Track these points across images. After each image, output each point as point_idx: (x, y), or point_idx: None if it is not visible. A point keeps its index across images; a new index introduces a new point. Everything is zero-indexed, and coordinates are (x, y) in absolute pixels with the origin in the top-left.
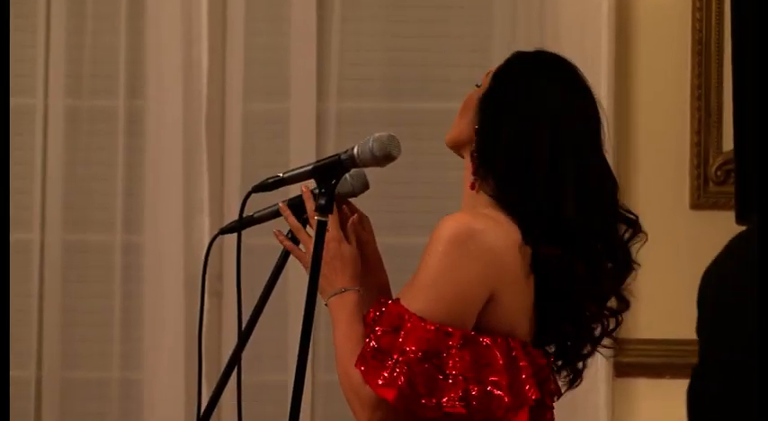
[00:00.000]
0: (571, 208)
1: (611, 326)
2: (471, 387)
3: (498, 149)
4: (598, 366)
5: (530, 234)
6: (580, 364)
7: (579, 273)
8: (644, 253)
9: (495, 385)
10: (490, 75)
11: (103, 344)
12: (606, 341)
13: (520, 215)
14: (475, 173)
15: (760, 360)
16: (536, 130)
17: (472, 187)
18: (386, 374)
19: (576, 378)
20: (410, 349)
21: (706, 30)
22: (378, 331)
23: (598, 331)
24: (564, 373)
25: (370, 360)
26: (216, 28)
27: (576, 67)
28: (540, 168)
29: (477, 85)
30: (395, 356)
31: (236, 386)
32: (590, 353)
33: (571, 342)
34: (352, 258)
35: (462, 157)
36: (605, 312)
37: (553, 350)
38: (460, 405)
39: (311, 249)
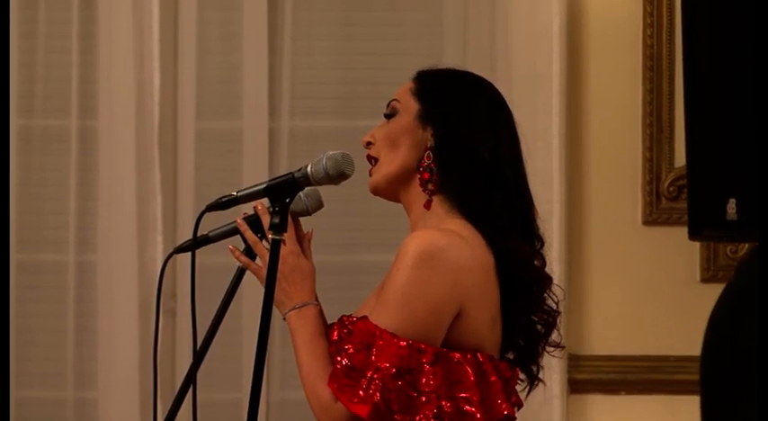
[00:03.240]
0: (530, 203)
1: (550, 326)
2: (444, 403)
3: (468, 161)
4: (552, 382)
5: (497, 232)
6: (534, 368)
7: (538, 264)
8: (597, 268)
9: (467, 401)
10: (406, 101)
11: (57, 364)
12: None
13: (488, 217)
14: (431, 192)
15: (760, 361)
16: (500, 141)
17: (428, 206)
18: (361, 392)
19: (533, 380)
20: (384, 366)
21: (657, 45)
22: (349, 349)
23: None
24: (521, 378)
25: (343, 378)
26: (168, 47)
27: (485, 78)
28: (506, 175)
29: (388, 115)
30: (368, 374)
31: (190, 404)
32: (541, 354)
33: (525, 343)
34: (311, 272)
35: (393, 199)
36: (543, 313)
37: (512, 357)
38: None
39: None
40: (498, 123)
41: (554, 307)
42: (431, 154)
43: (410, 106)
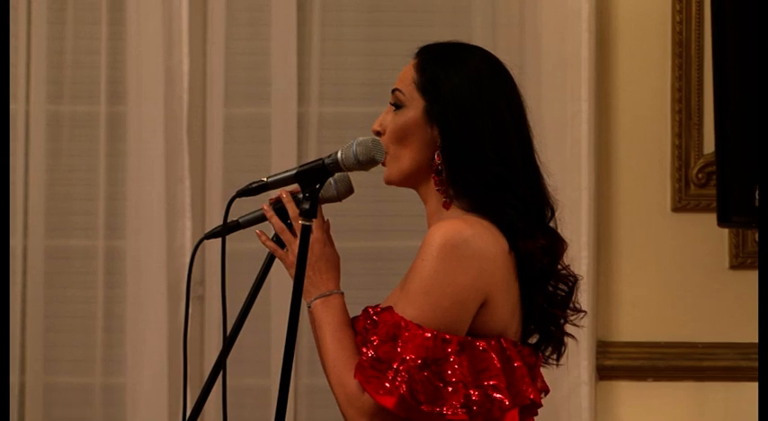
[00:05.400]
0: (545, 191)
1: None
2: (472, 392)
3: (475, 161)
4: (581, 368)
5: (516, 233)
6: (559, 333)
7: (559, 250)
8: (626, 255)
9: (495, 388)
10: (410, 93)
11: (86, 350)
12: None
13: (501, 219)
14: (446, 192)
15: (760, 360)
16: (505, 131)
17: (447, 207)
18: (387, 384)
19: (560, 346)
20: (410, 357)
21: (686, 32)
22: (375, 341)
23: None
24: (549, 350)
25: (369, 369)
26: (197, 33)
27: (485, 50)
28: (516, 168)
29: (395, 105)
30: (395, 365)
31: (218, 390)
32: (564, 322)
33: (547, 321)
34: (336, 261)
35: (410, 188)
36: (560, 283)
37: (536, 339)
38: (462, 411)
39: (295, 250)
40: (500, 109)
41: (573, 273)
42: (440, 154)
43: (415, 100)
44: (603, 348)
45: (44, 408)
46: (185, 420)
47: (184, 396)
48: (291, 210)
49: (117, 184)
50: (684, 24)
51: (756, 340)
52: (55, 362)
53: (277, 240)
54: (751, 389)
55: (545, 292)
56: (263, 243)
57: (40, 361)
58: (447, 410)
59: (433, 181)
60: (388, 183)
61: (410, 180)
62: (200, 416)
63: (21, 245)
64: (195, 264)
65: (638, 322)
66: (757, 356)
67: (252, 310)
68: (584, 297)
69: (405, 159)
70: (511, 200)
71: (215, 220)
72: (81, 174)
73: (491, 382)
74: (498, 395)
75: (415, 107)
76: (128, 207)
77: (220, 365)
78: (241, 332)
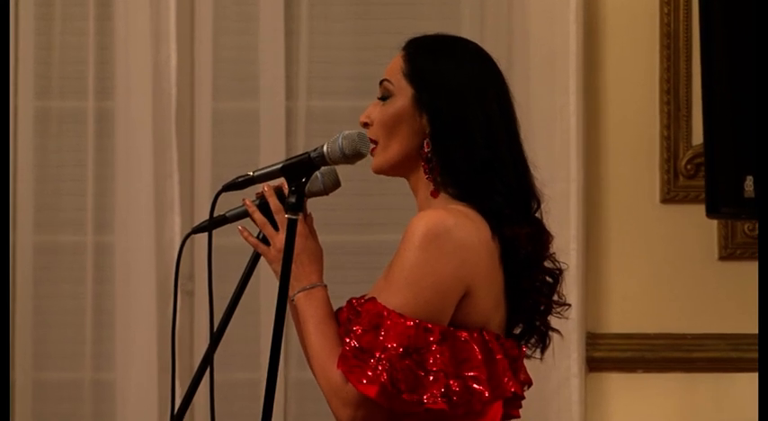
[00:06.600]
0: (531, 183)
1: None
2: (452, 382)
3: (464, 147)
4: (570, 361)
5: (501, 219)
6: (542, 327)
7: (545, 241)
8: (615, 247)
9: (475, 380)
10: (398, 82)
11: (76, 345)
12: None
13: (488, 206)
14: (434, 180)
15: (760, 359)
16: (493, 122)
17: (435, 195)
18: (369, 373)
19: (545, 339)
20: (391, 345)
21: (674, 24)
22: (357, 330)
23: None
24: (532, 341)
25: (352, 359)
26: (184, 28)
27: (474, 43)
28: (504, 156)
29: (383, 96)
30: (377, 354)
31: (208, 385)
32: (547, 313)
33: (532, 311)
34: (319, 253)
35: (400, 176)
36: (545, 275)
37: (520, 330)
38: (442, 401)
39: (277, 244)
40: (489, 99)
41: (558, 264)
42: (429, 142)
43: (404, 89)
44: (593, 340)
45: (33, 404)
46: (174, 415)
47: (173, 391)
48: (273, 203)
49: (105, 180)
50: (672, 16)
51: (746, 331)
52: (44, 358)
53: (263, 238)
54: (740, 380)
55: (530, 281)
56: (245, 239)
57: (29, 356)
58: (427, 399)
59: (422, 170)
60: (377, 172)
61: (398, 168)
62: (189, 410)
63: (10, 240)
64: (184, 259)
65: (627, 314)
66: (748, 347)
67: (241, 304)
68: (573, 289)
69: (393, 148)
70: (498, 186)
71: (204, 215)
72: (69, 170)
73: (471, 373)
74: (478, 386)
75: (404, 96)
76: (116, 202)
77: (208, 359)
78: (230, 326)
